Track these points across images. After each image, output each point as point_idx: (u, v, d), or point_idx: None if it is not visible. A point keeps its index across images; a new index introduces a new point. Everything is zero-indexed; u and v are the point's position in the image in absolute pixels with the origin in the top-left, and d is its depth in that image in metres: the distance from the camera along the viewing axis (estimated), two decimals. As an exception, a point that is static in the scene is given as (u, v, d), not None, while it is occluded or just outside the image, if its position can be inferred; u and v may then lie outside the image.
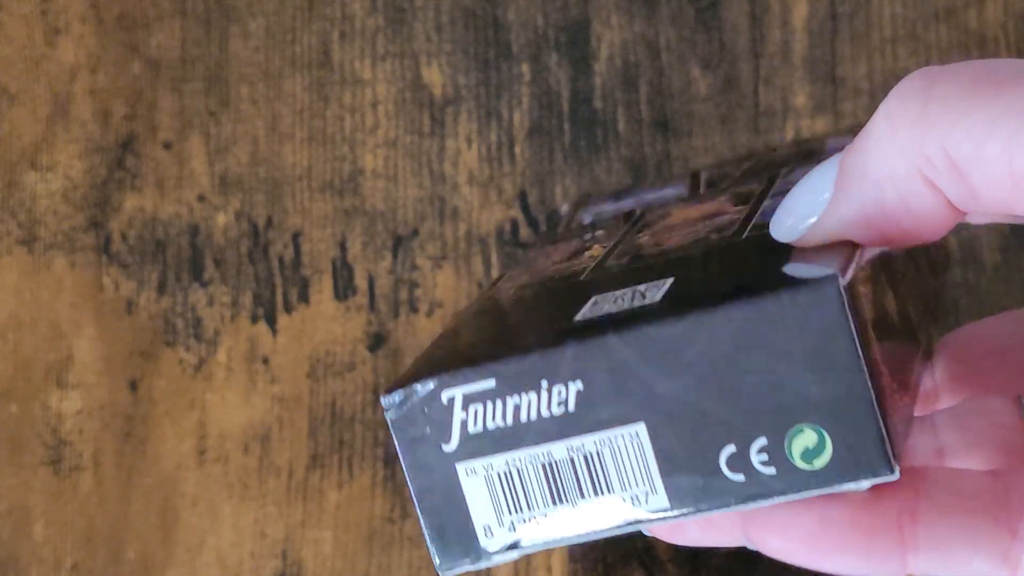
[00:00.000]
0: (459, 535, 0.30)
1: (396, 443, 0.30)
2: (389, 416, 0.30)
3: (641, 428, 0.29)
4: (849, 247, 0.29)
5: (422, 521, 0.30)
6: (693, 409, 0.28)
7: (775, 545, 0.30)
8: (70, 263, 0.51)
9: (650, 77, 0.51)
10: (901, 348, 0.31)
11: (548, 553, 0.48)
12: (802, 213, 0.30)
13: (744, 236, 0.32)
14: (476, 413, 0.29)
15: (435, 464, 0.29)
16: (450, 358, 0.30)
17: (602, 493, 0.29)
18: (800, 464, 0.28)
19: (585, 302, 0.31)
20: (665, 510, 0.29)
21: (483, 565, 0.30)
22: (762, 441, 0.28)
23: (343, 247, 0.51)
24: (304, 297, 0.51)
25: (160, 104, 0.52)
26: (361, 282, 0.51)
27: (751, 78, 0.51)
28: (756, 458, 0.28)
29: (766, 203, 0.35)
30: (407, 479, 0.30)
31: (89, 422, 0.50)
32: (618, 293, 0.30)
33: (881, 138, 0.28)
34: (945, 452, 0.33)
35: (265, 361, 0.50)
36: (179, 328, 0.51)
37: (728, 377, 0.28)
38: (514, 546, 0.30)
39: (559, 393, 0.29)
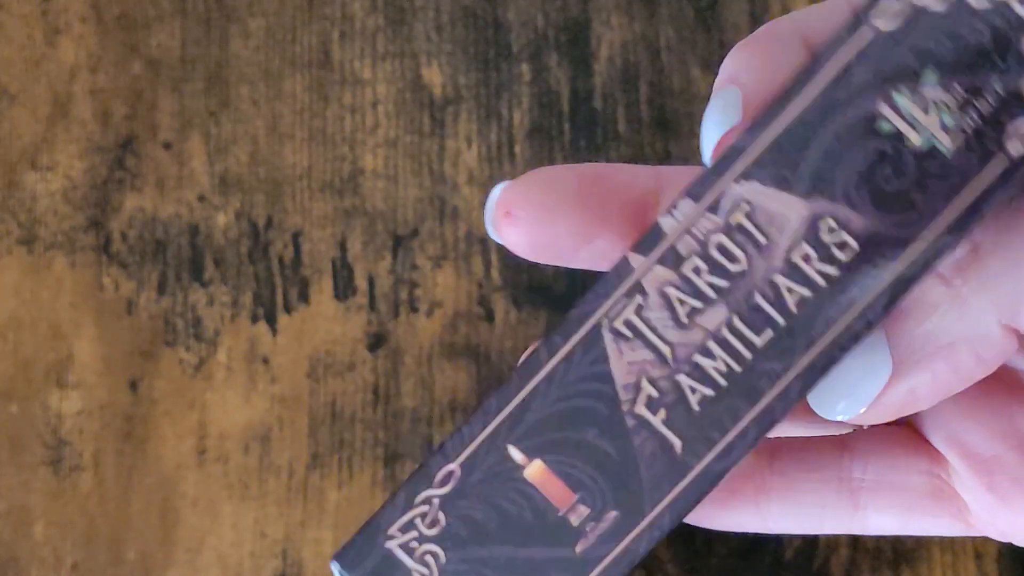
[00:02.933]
0: None
1: None
2: None
3: None
4: None
5: None
6: None
7: None
8: (70, 263, 0.51)
9: (650, 77, 0.51)
10: None
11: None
12: (858, 396, 0.28)
13: None
14: None
15: None
16: None
17: None
18: None
19: None
20: None
21: None
22: None
23: (343, 247, 0.51)
24: (304, 297, 0.51)
25: (160, 104, 0.52)
26: (361, 282, 0.51)
27: (751, 78, 0.51)
28: None
29: None
30: None
31: (89, 422, 0.50)
32: None
33: (946, 303, 0.28)
34: None
35: (265, 361, 0.50)
36: (179, 328, 0.51)
37: None
38: None
39: None
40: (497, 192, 0.30)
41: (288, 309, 0.51)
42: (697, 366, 0.27)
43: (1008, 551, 0.49)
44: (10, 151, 0.52)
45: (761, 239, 0.27)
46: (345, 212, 0.51)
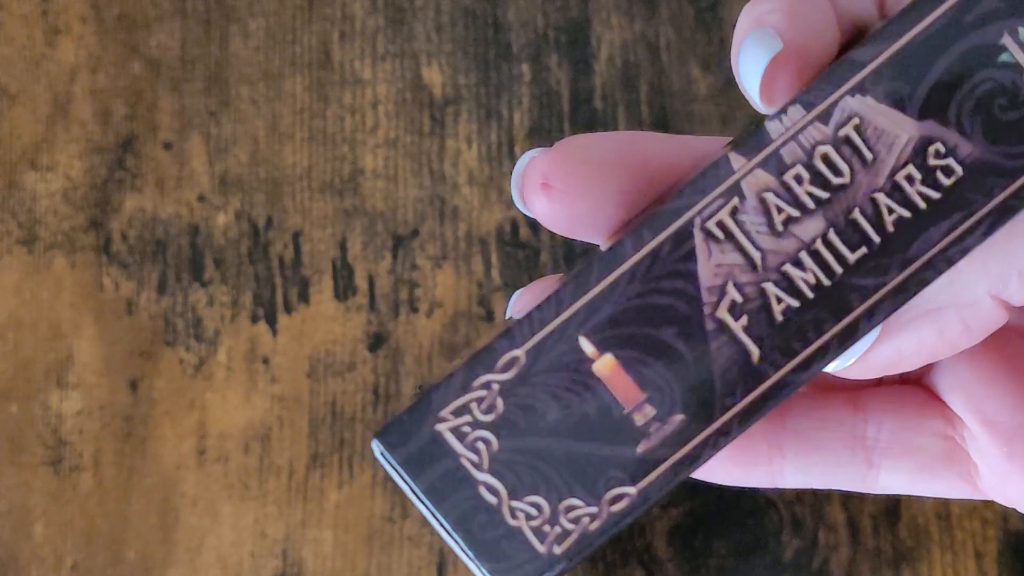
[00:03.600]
0: None
1: None
2: None
3: None
4: None
5: None
6: None
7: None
8: (70, 263, 0.51)
9: (650, 77, 0.51)
10: None
11: (548, 553, 0.48)
12: (847, 351, 0.28)
13: None
14: None
15: None
16: None
17: None
18: None
19: None
20: None
21: None
22: None
23: (343, 247, 0.51)
24: (304, 297, 0.51)
25: (160, 104, 0.52)
26: (361, 282, 0.51)
27: (751, 78, 0.51)
28: None
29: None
30: None
31: (89, 422, 0.50)
32: None
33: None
34: None
35: (265, 361, 0.50)
36: (179, 328, 0.51)
37: None
38: None
39: None
40: (529, 160, 0.29)
41: (288, 309, 0.51)
42: (786, 276, 0.27)
43: (1008, 551, 0.49)
44: (10, 151, 0.52)
45: (867, 155, 0.27)
46: (345, 212, 0.51)
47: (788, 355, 0.27)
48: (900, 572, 0.48)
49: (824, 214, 0.27)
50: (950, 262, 0.27)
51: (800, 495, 0.48)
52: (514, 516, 0.27)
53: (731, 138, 0.30)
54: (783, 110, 0.27)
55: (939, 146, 0.27)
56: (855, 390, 0.32)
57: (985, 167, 0.27)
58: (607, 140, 0.29)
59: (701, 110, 0.51)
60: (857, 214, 0.27)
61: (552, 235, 0.51)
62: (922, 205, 0.27)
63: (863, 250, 0.27)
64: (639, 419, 0.27)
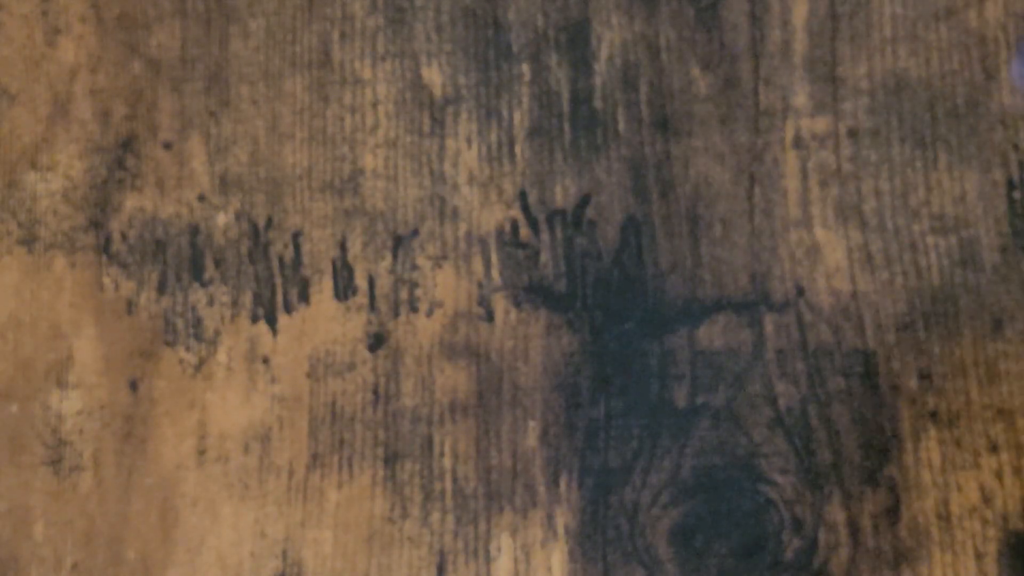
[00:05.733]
0: None
1: None
2: None
3: None
4: None
5: None
6: None
7: None
8: (70, 263, 0.51)
9: (650, 77, 0.51)
10: None
11: (548, 553, 0.48)
12: None
13: None
14: None
15: None
16: None
17: None
18: None
19: None
20: None
21: None
22: None
23: (343, 247, 0.51)
24: (304, 297, 0.51)
25: (160, 104, 0.52)
26: (361, 282, 0.51)
27: (751, 78, 0.51)
28: None
29: None
30: None
31: (89, 422, 0.50)
32: None
33: None
34: None
35: (265, 361, 0.51)
36: (179, 328, 0.51)
37: None
38: None
39: None
40: None
41: (288, 309, 0.51)
42: None
43: (1008, 551, 0.49)
44: (10, 151, 0.52)
45: None
46: (345, 212, 0.51)
47: None
48: (900, 572, 0.48)
49: None
50: None
51: (800, 495, 0.48)
52: None
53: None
54: None
55: None
56: None
57: None
58: None
59: (701, 110, 0.51)
60: None
61: (552, 235, 0.51)
62: None
63: None
64: None
